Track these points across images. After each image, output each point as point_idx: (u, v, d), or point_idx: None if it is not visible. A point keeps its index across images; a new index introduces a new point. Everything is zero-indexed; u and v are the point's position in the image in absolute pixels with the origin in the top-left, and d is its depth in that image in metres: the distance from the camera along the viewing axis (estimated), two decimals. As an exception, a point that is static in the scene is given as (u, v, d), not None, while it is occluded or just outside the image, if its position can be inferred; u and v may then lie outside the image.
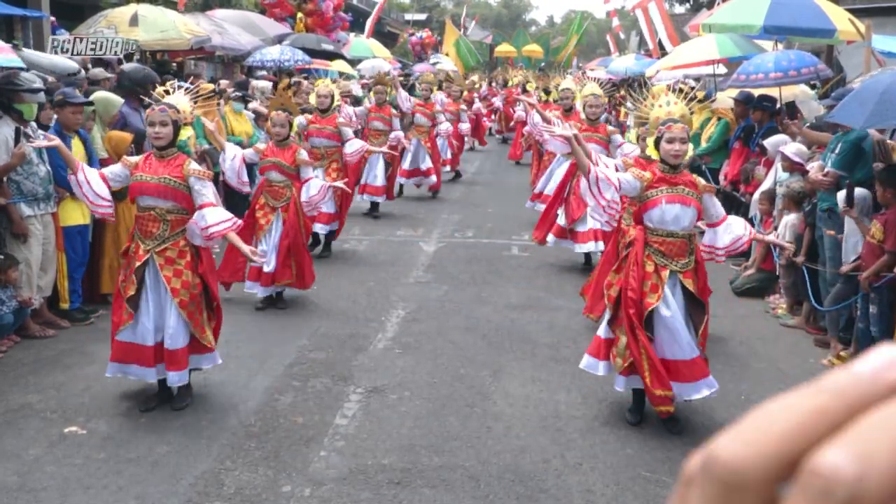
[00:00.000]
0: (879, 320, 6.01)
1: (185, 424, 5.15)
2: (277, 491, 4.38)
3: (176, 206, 5.27)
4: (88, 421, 5.15)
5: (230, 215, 5.42)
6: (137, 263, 5.23)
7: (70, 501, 4.25)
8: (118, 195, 7.54)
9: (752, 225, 9.01)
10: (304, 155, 7.66)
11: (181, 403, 5.37)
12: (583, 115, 8.80)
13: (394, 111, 12.19)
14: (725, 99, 11.47)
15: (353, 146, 9.32)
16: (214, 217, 5.25)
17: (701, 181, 5.26)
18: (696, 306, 5.12)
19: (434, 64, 37.21)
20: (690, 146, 11.28)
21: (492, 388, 5.86)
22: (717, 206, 5.26)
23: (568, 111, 9.95)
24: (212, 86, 11.15)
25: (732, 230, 5.20)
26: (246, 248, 5.51)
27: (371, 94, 12.16)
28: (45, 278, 6.78)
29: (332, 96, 9.40)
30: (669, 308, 5.03)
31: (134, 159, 5.38)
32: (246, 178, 7.65)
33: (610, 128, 7.82)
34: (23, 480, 4.42)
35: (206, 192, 5.29)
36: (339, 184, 8.16)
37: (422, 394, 5.72)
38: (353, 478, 4.53)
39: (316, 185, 7.58)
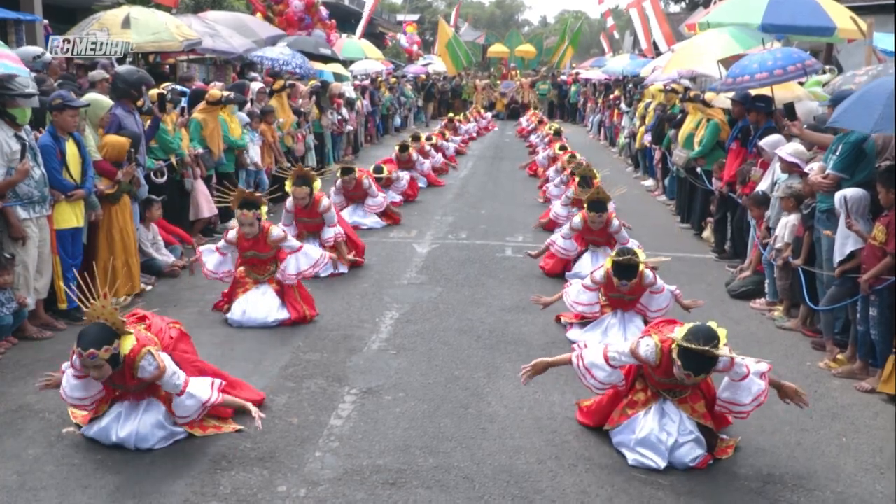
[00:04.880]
0: (879, 323, 6.03)
1: (180, 426, 5.16)
2: (273, 491, 4.41)
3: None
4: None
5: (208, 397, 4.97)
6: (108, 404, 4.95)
7: (69, 501, 4.28)
8: (111, 198, 7.60)
9: (748, 226, 9.10)
10: (276, 233, 7.29)
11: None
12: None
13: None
14: (716, 100, 11.50)
15: (327, 233, 8.95)
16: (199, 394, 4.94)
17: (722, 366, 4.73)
18: (704, 431, 4.90)
19: (426, 65, 37.30)
20: (687, 152, 11.38)
21: (486, 390, 5.89)
22: (738, 368, 4.77)
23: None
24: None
25: (752, 386, 4.79)
26: (253, 409, 5.14)
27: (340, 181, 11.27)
28: (41, 280, 6.78)
29: (311, 193, 8.69)
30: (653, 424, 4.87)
31: (91, 385, 4.82)
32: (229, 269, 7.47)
33: (647, 280, 6.70)
34: (22, 480, 4.44)
35: (173, 380, 4.82)
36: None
37: (416, 395, 5.75)
38: (348, 478, 4.56)
39: (292, 261, 7.30)
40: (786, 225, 7.61)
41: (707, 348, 4.47)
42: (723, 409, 4.94)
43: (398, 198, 13.29)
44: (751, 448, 5.08)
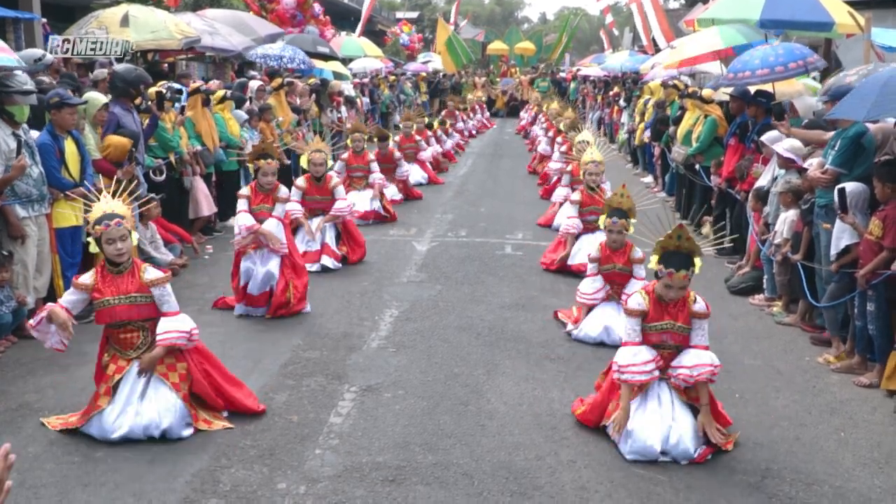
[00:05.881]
0: (877, 317, 6.04)
1: (180, 424, 5.18)
2: (273, 488, 4.42)
3: (150, 316, 5.10)
4: (85, 420, 5.18)
5: (187, 328, 5.10)
6: (117, 377, 5.02)
7: (69, 498, 4.29)
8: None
9: (746, 223, 9.11)
10: (283, 192, 7.61)
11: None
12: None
13: (371, 157, 12.13)
14: (713, 96, 11.51)
15: (340, 205, 9.26)
16: (170, 325, 5.05)
17: (695, 308, 4.99)
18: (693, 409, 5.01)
19: (426, 62, 37.30)
20: (686, 149, 11.38)
21: (486, 387, 5.90)
22: (701, 336, 5.00)
23: (592, 188, 9.02)
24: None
25: (698, 358, 4.94)
26: (152, 367, 5.08)
27: (348, 141, 12.06)
28: (40, 279, 6.80)
29: (326, 164, 9.25)
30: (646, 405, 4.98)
31: (86, 280, 5.02)
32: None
33: (636, 256, 6.91)
34: (22, 478, 4.45)
35: (167, 297, 5.08)
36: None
37: (416, 392, 5.76)
38: (348, 475, 4.57)
39: (271, 222, 7.44)
40: (784, 220, 7.62)
41: (681, 242, 4.90)
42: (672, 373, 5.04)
43: (398, 196, 13.44)
44: (749, 443, 5.09)
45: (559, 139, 15.12)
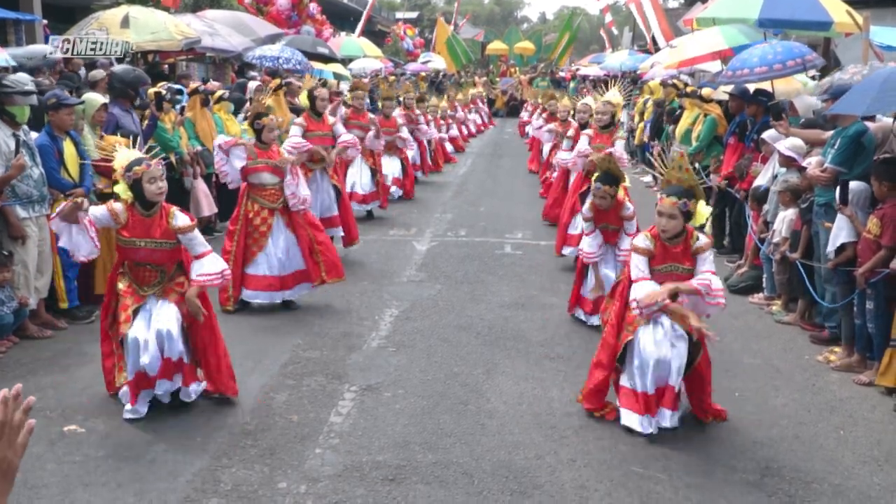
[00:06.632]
0: (876, 316, 6.05)
1: (182, 423, 5.20)
2: (273, 487, 4.43)
3: (172, 259, 5.35)
4: (87, 419, 5.20)
5: (219, 269, 5.36)
6: (136, 305, 5.24)
7: (70, 498, 4.30)
8: (110, 197, 7.60)
9: (746, 221, 9.11)
10: (284, 151, 7.75)
11: (188, 400, 5.44)
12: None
13: (371, 116, 12.05)
14: (713, 94, 11.50)
15: (346, 137, 9.40)
16: (213, 267, 5.30)
17: (698, 244, 5.13)
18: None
19: (426, 62, 37.29)
20: (685, 147, 11.41)
21: (485, 386, 5.91)
22: (708, 264, 5.10)
23: (583, 126, 9.79)
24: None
25: (711, 280, 5.03)
26: (199, 309, 5.32)
27: (349, 97, 12.22)
28: (41, 280, 6.81)
29: (326, 99, 9.41)
30: (646, 338, 5.09)
31: (119, 211, 5.23)
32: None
33: (627, 213, 6.96)
34: (24, 477, 4.46)
35: (197, 241, 5.32)
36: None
37: (416, 391, 5.77)
38: (348, 474, 4.58)
39: (291, 179, 7.51)
40: (783, 219, 7.63)
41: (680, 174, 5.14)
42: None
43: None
44: (749, 441, 5.10)
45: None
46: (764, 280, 8.22)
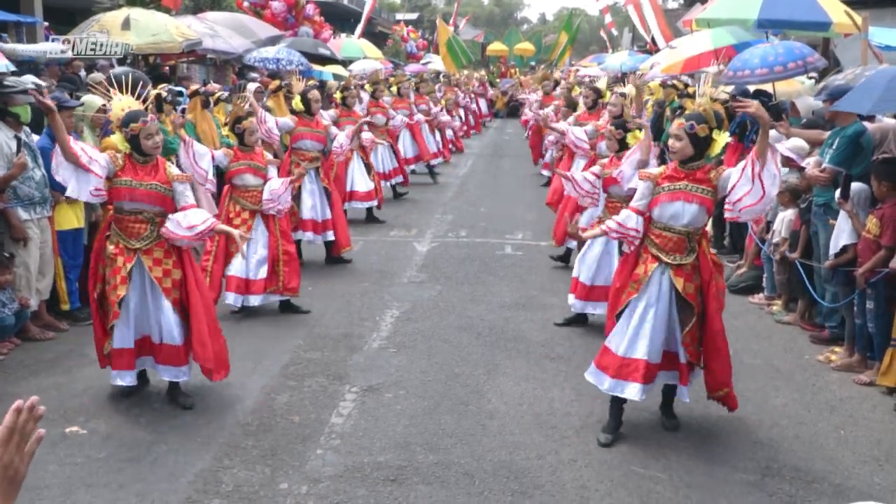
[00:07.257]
0: (876, 316, 6.06)
1: (183, 424, 5.21)
2: (275, 488, 4.44)
3: (163, 210, 5.38)
4: (89, 421, 5.22)
5: (209, 213, 5.55)
6: (129, 265, 5.30)
7: (72, 499, 4.31)
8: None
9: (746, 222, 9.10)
10: (269, 154, 7.74)
11: (188, 401, 5.45)
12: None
13: (386, 98, 13.06)
14: (712, 94, 11.49)
15: (340, 139, 9.40)
16: (198, 217, 5.37)
17: (718, 171, 4.97)
18: (684, 307, 4.99)
19: (426, 64, 37.29)
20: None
21: (486, 387, 5.92)
22: (735, 170, 4.85)
23: (591, 108, 10.48)
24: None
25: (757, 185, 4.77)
26: (235, 232, 5.67)
27: (367, 86, 13.08)
28: (43, 281, 6.82)
29: (319, 101, 9.34)
30: (648, 302, 5.02)
31: (117, 155, 5.37)
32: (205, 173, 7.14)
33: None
34: (26, 479, 4.44)
35: (188, 193, 5.45)
36: (294, 175, 8.47)
37: (416, 392, 5.78)
38: (350, 475, 4.59)
39: (277, 180, 7.43)
40: (783, 219, 7.64)
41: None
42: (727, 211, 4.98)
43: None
44: (749, 441, 5.12)
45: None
46: (764, 280, 8.23)
